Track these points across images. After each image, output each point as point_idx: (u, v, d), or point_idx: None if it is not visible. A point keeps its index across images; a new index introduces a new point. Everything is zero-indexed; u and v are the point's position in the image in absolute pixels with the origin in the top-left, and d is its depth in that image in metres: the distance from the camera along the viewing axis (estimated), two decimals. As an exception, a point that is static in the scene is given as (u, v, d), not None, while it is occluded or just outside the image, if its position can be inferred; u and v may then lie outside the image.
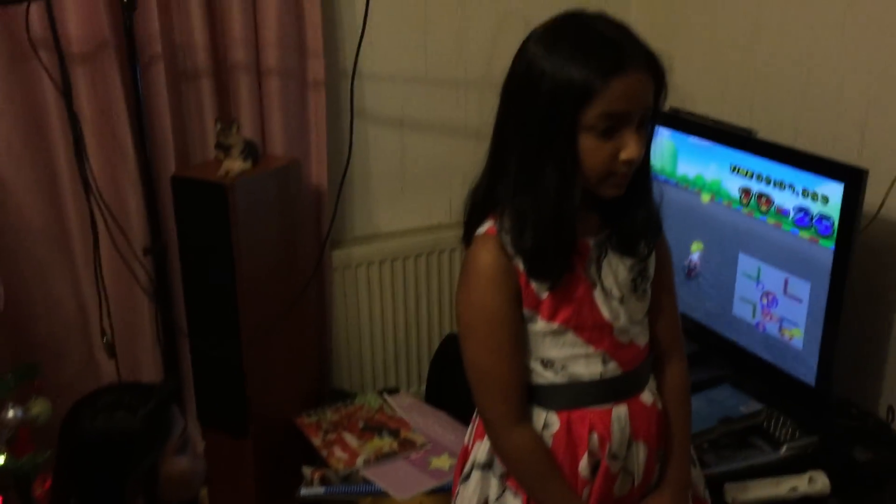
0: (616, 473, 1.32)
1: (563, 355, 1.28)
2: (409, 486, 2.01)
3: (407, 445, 2.14)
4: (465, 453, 1.43)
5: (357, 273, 2.47)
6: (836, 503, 1.72)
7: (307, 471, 2.06)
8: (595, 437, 1.30)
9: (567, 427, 1.30)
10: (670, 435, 1.38)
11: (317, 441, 2.17)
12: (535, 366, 1.30)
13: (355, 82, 2.18)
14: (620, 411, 1.31)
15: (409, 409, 2.33)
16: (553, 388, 1.30)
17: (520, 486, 1.32)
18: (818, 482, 1.71)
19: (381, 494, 1.99)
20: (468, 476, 1.39)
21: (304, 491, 2.02)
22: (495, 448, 1.33)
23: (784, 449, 1.80)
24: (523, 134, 1.17)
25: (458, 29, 2.43)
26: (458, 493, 1.42)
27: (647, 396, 1.35)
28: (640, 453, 1.34)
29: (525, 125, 1.17)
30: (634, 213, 1.27)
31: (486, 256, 1.24)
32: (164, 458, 1.41)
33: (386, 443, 2.15)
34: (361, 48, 2.12)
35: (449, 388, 2.40)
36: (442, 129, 2.50)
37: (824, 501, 1.71)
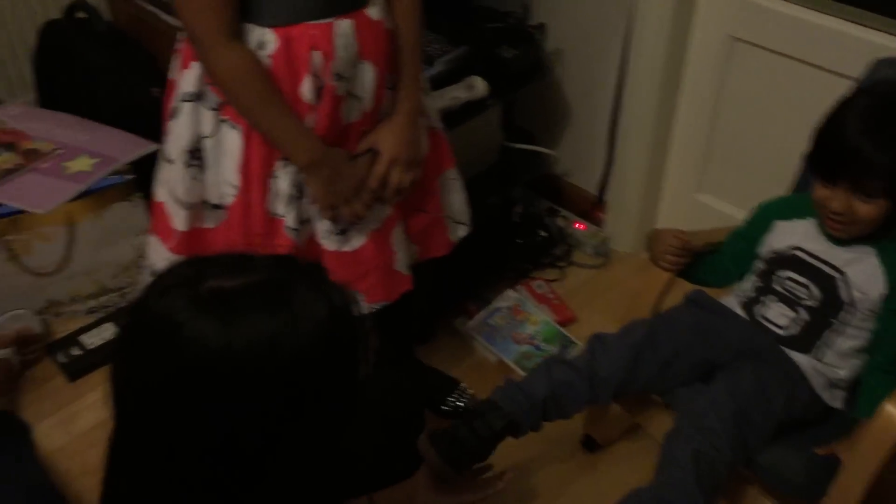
0: (343, 96, 1.19)
1: None
2: (49, 198, 1.74)
3: (32, 156, 1.82)
4: (171, 87, 1.24)
5: None
6: (495, 102, 1.78)
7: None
8: (318, 55, 1.14)
9: (286, 46, 1.13)
10: (401, 59, 1.26)
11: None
12: None
13: None
14: (344, 26, 1.15)
15: (23, 119, 1.95)
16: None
17: (238, 115, 1.17)
18: (477, 86, 1.73)
19: (18, 214, 1.71)
20: (177, 111, 1.21)
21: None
22: (207, 70, 1.15)
23: (438, 65, 1.77)
24: None
25: None
26: (168, 131, 1.24)
27: (374, 11, 1.19)
28: (368, 75, 1.21)
29: None
30: None
31: None
32: None
33: (5, 159, 1.80)
34: None
35: (66, 85, 2.04)
36: None
37: (484, 102, 1.76)
